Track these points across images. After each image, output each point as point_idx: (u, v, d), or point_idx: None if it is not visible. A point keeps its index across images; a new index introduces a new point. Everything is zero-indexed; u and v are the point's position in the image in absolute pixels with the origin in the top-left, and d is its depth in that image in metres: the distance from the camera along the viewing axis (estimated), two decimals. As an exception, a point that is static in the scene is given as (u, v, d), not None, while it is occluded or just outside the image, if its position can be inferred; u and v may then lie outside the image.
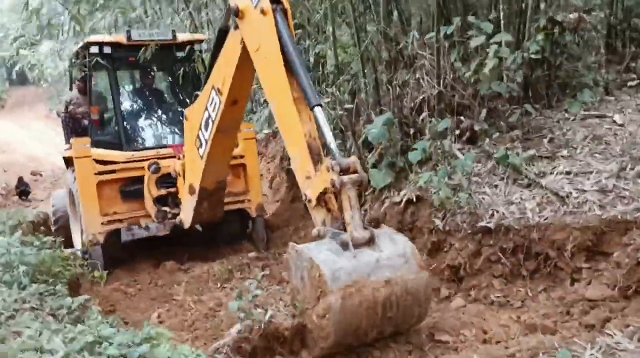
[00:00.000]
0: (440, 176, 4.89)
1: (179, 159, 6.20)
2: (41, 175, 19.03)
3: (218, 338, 4.19)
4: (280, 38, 3.73)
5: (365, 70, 6.65)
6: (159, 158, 6.35)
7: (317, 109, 3.57)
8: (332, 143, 3.53)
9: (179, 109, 7.08)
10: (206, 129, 4.88)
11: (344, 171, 3.36)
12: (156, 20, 11.37)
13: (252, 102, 10.11)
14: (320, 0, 7.13)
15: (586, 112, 5.63)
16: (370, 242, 3.33)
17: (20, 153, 22.76)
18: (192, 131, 5.16)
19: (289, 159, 8.40)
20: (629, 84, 6.69)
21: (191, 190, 5.48)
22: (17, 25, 29.10)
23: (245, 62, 4.20)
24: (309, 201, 3.54)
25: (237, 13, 4.06)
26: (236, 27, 4.23)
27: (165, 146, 6.57)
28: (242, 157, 6.80)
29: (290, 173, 8.49)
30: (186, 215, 5.78)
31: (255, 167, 7.11)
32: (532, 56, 5.41)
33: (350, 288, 3.13)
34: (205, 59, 7.20)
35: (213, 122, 4.76)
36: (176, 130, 6.92)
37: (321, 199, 3.48)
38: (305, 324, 3.37)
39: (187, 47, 6.75)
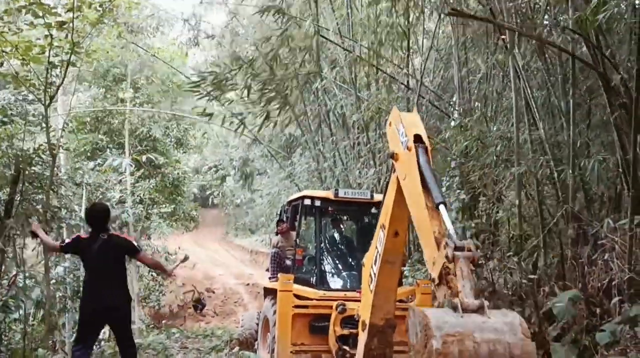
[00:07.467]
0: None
1: (361, 302, 6.83)
2: (214, 292, 20.99)
3: None
4: (419, 165, 4.50)
5: (547, 241, 6.93)
6: (345, 299, 7.02)
7: (441, 207, 4.14)
8: (451, 229, 3.97)
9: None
10: (375, 264, 5.54)
11: (459, 249, 3.72)
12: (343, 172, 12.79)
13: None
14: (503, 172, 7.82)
15: None
16: (479, 310, 3.47)
17: (198, 270, 25.26)
18: (366, 273, 5.84)
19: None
20: None
21: (363, 326, 5.98)
22: (214, 159, 34.00)
23: (400, 195, 4.94)
24: (433, 280, 3.89)
25: (393, 156, 5.00)
26: (394, 170, 5.13)
27: (352, 290, 7.21)
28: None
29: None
30: (358, 353, 6.23)
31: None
32: None
33: (452, 337, 3.29)
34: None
35: (380, 255, 5.41)
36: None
37: (442, 279, 3.80)
38: None
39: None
